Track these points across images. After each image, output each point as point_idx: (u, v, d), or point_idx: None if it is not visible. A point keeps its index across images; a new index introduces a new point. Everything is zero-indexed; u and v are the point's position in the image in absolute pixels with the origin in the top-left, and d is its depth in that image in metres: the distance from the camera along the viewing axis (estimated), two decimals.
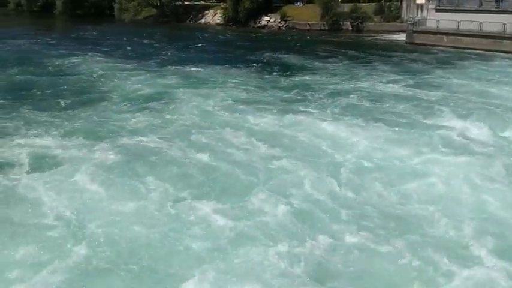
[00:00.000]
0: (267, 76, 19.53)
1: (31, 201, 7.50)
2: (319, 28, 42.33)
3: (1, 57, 23.42)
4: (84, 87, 16.44)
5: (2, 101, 14.25)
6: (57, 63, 21.78)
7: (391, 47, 30.93)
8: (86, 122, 11.89)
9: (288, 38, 36.67)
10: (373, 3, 41.72)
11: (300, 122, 11.90)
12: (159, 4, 51.83)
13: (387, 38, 35.94)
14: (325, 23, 42.03)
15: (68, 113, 12.84)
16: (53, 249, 6.20)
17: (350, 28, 41.05)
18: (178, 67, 20.90)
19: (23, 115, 12.63)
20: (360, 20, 40.55)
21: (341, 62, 23.63)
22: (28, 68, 20.16)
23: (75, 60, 22.47)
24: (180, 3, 52.45)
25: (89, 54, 24.61)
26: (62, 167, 8.78)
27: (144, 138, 10.45)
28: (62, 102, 13.96)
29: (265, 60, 24.35)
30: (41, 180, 8.14)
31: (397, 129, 11.21)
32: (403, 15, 39.42)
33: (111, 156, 9.23)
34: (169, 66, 21.15)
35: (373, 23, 40.44)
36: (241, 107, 13.53)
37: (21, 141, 10.32)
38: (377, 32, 38.79)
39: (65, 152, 9.58)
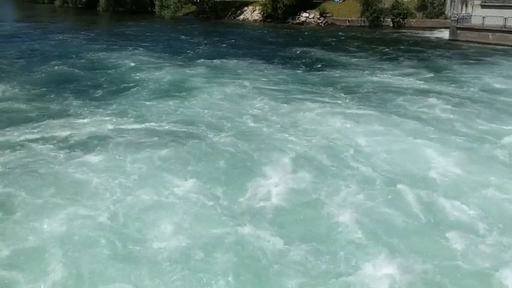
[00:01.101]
0: (298, 71, 20.46)
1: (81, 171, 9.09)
2: (359, 24, 42.51)
3: (47, 51, 25.89)
4: (121, 78, 18.31)
5: (47, 89, 16.29)
6: (97, 56, 23.89)
7: (433, 44, 30.82)
8: (118, 106, 13.69)
9: (326, 34, 37.15)
10: None
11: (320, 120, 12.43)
12: (198, 1, 53.65)
13: (429, 35, 35.69)
14: (365, 19, 42.14)
15: (104, 100, 14.67)
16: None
17: (391, 24, 40.99)
18: (210, 61, 22.41)
19: (65, 102, 14.52)
20: (401, 16, 40.42)
21: (378, 59, 23.94)
22: (70, 60, 22.38)
23: (114, 54, 24.52)
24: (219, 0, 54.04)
25: (128, 48, 26.54)
26: (99, 144, 10.49)
27: (169, 120, 11.85)
28: (99, 91, 15.77)
29: (297, 56, 25.22)
30: (85, 154, 9.89)
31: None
32: (446, 12, 38.96)
33: (141, 135, 10.68)
34: (202, 60, 22.72)
35: (415, 20, 40.20)
36: (262, 97, 14.64)
37: (64, 122, 12.14)
38: (419, 28, 38.58)
39: (98, 132, 11.31)
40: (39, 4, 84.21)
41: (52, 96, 15.17)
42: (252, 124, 12.11)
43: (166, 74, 18.97)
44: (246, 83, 16.72)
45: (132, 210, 7.65)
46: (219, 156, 9.83)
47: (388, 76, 19.18)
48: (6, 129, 11.62)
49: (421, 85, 17.30)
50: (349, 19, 43.54)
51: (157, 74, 19.02)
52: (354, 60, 23.47)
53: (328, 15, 45.19)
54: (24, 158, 9.78)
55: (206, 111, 13.29)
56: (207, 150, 10.18)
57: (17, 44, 29.68)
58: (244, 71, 19.62)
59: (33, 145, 10.50)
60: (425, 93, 15.96)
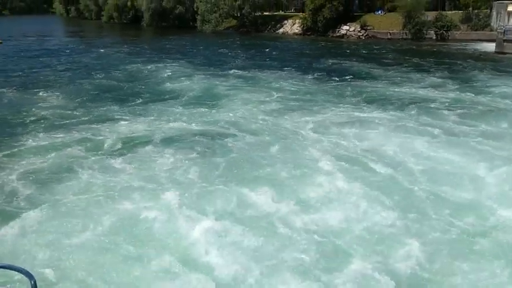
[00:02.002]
0: (330, 83, 20.89)
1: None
2: (401, 37, 42.58)
3: (91, 63, 28.21)
4: (158, 87, 19.84)
5: (90, 98, 17.96)
6: (137, 68, 25.76)
7: (478, 57, 30.48)
8: (154, 113, 15.08)
9: (366, 47, 37.51)
10: (460, 11, 41.06)
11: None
12: (239, 15, 55.56)
13: (474, 48, 35.26)
14: (407, 31, 42.16)
15: (141, 107, 16.10)
16: None
17: (434, 37, 40.79)
18: (244, 72, 23.58)
19: (105, 108, 15.99)
20: (445, 29, 40.18)
21: (421, 72, 23.70)
22: (112, 72, 24.31)
23: (153, 66, 26.30)
24: (260, 13, 55.65)
25: (167, 60, 28.31)
26: (141, 144, 11.88)
27: (197, 125, 13.27)
28: (137, 99, 17.43)
29: (332, 68, 25.83)
30: (126, 154, 11.13)
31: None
32: (492, 24, 38.36)
33: (171, 137, 12.06)
34: (235, 71, 23.97)
35: (459, 32, 39.83)
36: (288, 109, 15.43)
37: (104, 126, 13.55)
38: (463, 41, 38.19)
39: (136, 133, 12.66)
40: (86, 20, 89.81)
41: (94, 104, 16.70)
42: (275, 131, 12.91)
43: (200, 83, 20.31)
44: (276, 93, 17.66)
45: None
46: (254, 162, 10.62)
47: (432, 90, 18.83)
48: (54, 132, 13.09)
49: (469, 99, 16.89)
50: (391, 32, 43.71)
51: (191, 83, 20.41)
52: (393, 73, 23.44)
53: (369, 28, 45.54)
54: (72, 157, 11.07)
55: (234, 118, 14.30)
56: (237, 156, 11.06)
57: (64, 57, 32.30)
58: (277, 82, 20.53)
59: (79, 145, 11.84)
60: (471, 107, 15.74)
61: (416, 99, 16.88)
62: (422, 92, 18.37)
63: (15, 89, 19.84)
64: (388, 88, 19.37)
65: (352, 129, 12.99)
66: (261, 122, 14.00)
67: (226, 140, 12.17)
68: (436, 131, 12.64)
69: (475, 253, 6.92)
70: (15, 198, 8.87)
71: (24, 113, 15.36)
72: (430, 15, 41.49)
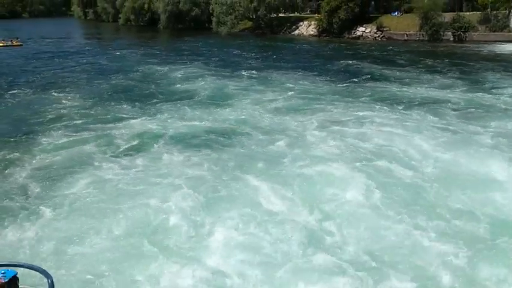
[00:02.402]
0: (345, 84, 21.06)
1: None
2: (417, 38, 42.45)
3: (107, 65, 29.28)
4: (173, 88, 20.48)
5: (105, 98, 18.65)
6: (152, 69, 26.44)
7: (495, 58, 30.29)
8: (169, 112, 15.77)
9: (381, 48, 37.55)
10: (478, 12, 40.74)
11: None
12: (254, 17, 56.05)
13: (492, 49, 34.99)
14: (424, 33, 42.02)
15: (157, 107, 16.72)
16: None
17: (451, 38, 40.57)
18: (257, 72, 24.09)
19: (123, 108, 16.68)
20: (462, 30, 39.93)
21: (436, 73, 23.62)
22: (128, 73, 25.03)
23: (167, 67, 26.96)
24: (275, 15, 56.02)
25: (181, 62, 29.03)
26: (155, 142, 12.49)
27: (207, 123, 13.98)
28: (151, 99, 18.08)
29: (346, 69, 26.02)
30: (141, 152, 11.73)
31: None
32: (511, 25, 37.98)
33: (181, 135, 12.71)
34: (248, 72, 24.51)
35: (477, 33, 39.52)
36: (297, 104, 16.13)
37: (122, 126, 14.20)
38: (481, 42, 37.91)
39: (151, 132, 13.37)
40: (104, 23, 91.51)
41: (109, 104, 17.36)
42: (283, 129, 13.28)
43: (213, 84, 20.90)
44: (288, 93, 18.18)
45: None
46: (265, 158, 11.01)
47: (447, 91, 18.75)
48: (70, 130, 13.79)
49: (484, 101, 16.82)
50: (407, 33, 43.60)
51: (205, 84, 21.00)
52: (407, 74, 23.40)
53: (385, 29, 45.48)
54: (87, 154, 11.69)
55: (245, 117, 14.85)
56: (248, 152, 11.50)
57: (82, 58, 33.25)
58: (289, 83, 20.94)
59: (94, 144, 12.46)
60: (487, 108, 15.64)
61: (432, 100, 16.92)
62: (437, 94, 18.39)
63: (34, 89, 20.66)
64: (401, 89, 19.50)
65: (361, 128, 13.29)
66: (271, 121, 14.44)
67: (238, 137, 12.69)
68: (451, 132, 12.70)
69: None
70: (30, 195, 9.34)
71: (42, 112, 16.09)
72: (447, 17, 41.28)
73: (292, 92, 18.66)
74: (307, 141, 12.32)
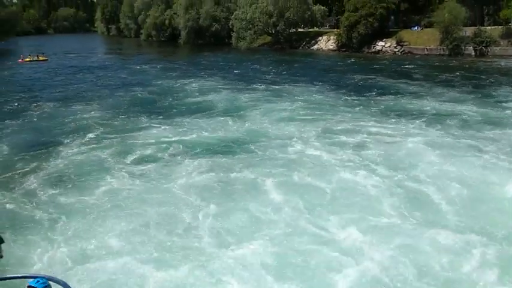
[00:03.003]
0: (359, 98, 21.45)
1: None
2: (438, 53, 42.52)
3: (128, 78, 30.64)
4: (189, 101, 21.49)
5: (126, 109, 19.72)
6: (171, 82, 27.60)
7: None
8: (185, 123, 16.70)
9: (401, 62, 37.78)
10: (500, 27, 40.65)
11: None
12: (273, 32, 56.98)
13: None
14: (445, 47, 42.05)
15: (174, 118, 17.61)
16: None
17: (473, 53, 40.50)
18: (274, 87, 24.88)
19: (141, 120, 17.61)
20: (484, 45, 39.86)
21: (457, 87, 23.68)
22: (147, 86, 26.24)
23: (185, 80, 28.13)
24: (294, 30, 56.82)
25: (199, 75, 30.35)
26: (172, 152, 13.24)
27: (219, 133, 14.88)
28: (168, 110, 19.20)
29: (361, 83, 26.44)
30: (158, 161, 12.53)
31: None
32: None
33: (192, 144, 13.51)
34: (263, 85, 25.50)
35: (499, 48, 39.39)
36: (308, 116, 16.78)
37: (139, 136, 15.07)
38: (504, 56, 37.77)
39: (167, 142, 14.17)
40: (126, 38, 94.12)
41: (128, 115, 18.36)
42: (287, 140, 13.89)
43: (227, 96, 21.87)
44: (302, 107, 18.94)
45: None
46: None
47: (468, 106, 18.56)
48: (90, 140, 14.77)
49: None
50: (428, 48, 43.73)
51: (220, 96, 21.96)
52: (424, 89, 23.54)
53: (405, 43, 45.70)
54: (104, 163, 12.54)
55: (255, 127, 15.73)
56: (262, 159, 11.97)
57: (104, 72, 34.75)
58: (304, 96, 21.66)
59: (112, 152, 13.32)
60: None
61: (451, 117, 16.86)
62: (458, 108, 18.29)
63: (58, 102, 21.87)
64: (421, 103, 19.52)
65: (370, 143, 13.72)
66: (281, 131, 15.17)
67: (248, 146, 13.45)
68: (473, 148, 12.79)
69: None
70: (51, 202, 9.99)
71: (65, 123, 17.19)
72: (469, 31, 41.30)
73: (306, 104, 19.45)
74: (316, 150, 12.88)
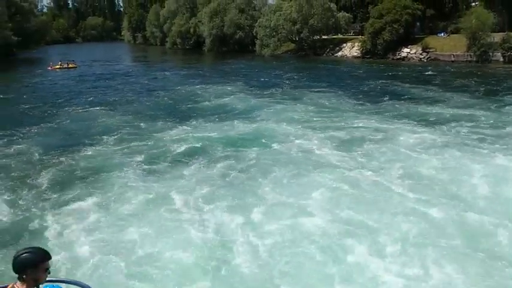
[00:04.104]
0: (377, 104, 21.75)
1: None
2: (465, 59, 42.11)
3: (152, 85, 31.85)
4: (210, 105, 22.47)
5: (150, 114, 20.71)
6: (193, 88, 28.57)
7: None
8: (203, 126, 17.66)
9: (427, 69, 37.60)
10: None
11: None
12: (297, 39, 57.46)
13: None
14: (472, 54, 41.61)
15: (193, 122, 18.48)
16: None
17: (501, 59, 39.98)
18: (293, 92, 25.72)
19: (163, 124, 18.46)
20: None
21: (484, 95, 23.31)
22: (170, 92, 27.26)
23: (207, 86, 29.20)
24: (318, 37, 57.16)
25: (222, 82, 31.12)
26: (191, 154, 14.07)
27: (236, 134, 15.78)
28: (189, 115, 20.10)
29: (384, 90, 26.58)
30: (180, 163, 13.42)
31: None
32: None
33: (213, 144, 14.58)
34: (282, 90, 26.51)
35: None
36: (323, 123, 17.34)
37: (160, 139, 15.97)
38: None
39: (186, 145, 14.95)
40: (152, 46, 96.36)
41: (151, 120, 19.22)
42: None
43: (246, 100, 22.80)
44: (320, 112, 19.54)
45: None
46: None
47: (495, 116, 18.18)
48: (113, 142, 15.67)
49: None
50: (455, 54, 43.35)
51: (238, 101, 22.94)
52: (448, 95, 23.30)
53: (431, 50, 45.44)
54: (126, 163, 13.40)
55: (271, 131, 16.43)
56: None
57: (129, 79, 36.32)
58: (323, 101, 22.25)
59: (134, 154, 14.16)
60: None
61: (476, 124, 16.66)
62: (492, 116, 17.97)
63: (86, 106, 23.10)
64: (452, 111, 19.24)
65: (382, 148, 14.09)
66: (299, 137, 15.62)
67: (261, 149, 14.16)
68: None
69: None
70: (78, 201, 10.60)
71: (92, 126, 18.27)
72: (497, 37, 40.81)
73: (325, 109, 20.06)
74: (328, 155, 13.38)
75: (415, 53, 46.53)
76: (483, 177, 10.92)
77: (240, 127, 17.12)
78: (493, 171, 11.32)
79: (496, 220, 8.69)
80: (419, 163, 12.22)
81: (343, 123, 17.17)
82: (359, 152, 13.37)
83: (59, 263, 7.47)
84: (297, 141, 14.85)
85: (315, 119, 18.17)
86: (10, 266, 3.12)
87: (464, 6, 47.79)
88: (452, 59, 43.20)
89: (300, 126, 16.82)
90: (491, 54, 40.59)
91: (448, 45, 44.92)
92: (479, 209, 9.21)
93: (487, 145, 13.73)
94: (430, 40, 46.58)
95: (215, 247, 8.16)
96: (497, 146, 13.63)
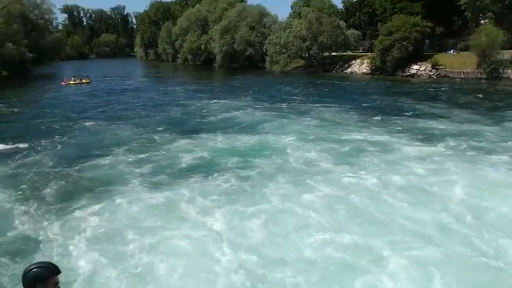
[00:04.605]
0: (383, 120, 21.80)
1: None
2: (475, 77, 42.18)
3: (162, 100, 32.50)
4: (218, 119, 22.97)
5: (160, 126, 21.16)
6: (201, 103, 29.23)
7: None
8: (211, 140, 18.05)
9: (436, 86, 37.70)
10: None
11: None
12: (307, 56, 58.03)
13: None
14: (482, 71, 41.68)
15: (200, 135, 18.91)
16: None
17: None
18: (299, 107, 26.10)
19: (171, 137, 18.90)
20: None
21: (490, 111, 23.19)
22: (179, 107, 27.96)
23: (214, 101, 29.96)
24: (327, 54, 57.66)
25: (231, 97, 31.69)
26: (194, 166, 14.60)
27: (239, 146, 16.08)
28: (196, 128, 20.77)
29: (389, 106, 26.86)
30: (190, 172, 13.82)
31: None
32: None
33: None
34: (287, 104, 27.16)
35: None
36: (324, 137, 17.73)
37: (167, 152, 16.39)
38: None
39: (193, 157, 15.43)
40: (163, 62, 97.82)
41: (160, 133, 19.63)
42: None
43: (255, 116, 23.16)
44: (325, 127, 19.89)
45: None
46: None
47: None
48: (123, 153, 16.13)
49: None
50: (464, 71, 43.45)
51: (245, 115, 23.59)
52: (456, 113, 23.21)
53: (441, 67, 45.59)
54: (133, 173, 13.84)
55: (273, 144, 16.88)
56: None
57: (141, 94, 37.20)
58: (328, 116, 22.63)
59: (142, 166, 14.61)
60: None
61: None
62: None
63: (98, 120, 23.73)
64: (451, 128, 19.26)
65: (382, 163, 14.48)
66: (302, 149, 15.97)
67: (260, 160, 14.52)
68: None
69: None
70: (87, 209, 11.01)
71: (103, 139, 18.77)
72: (507, 54, 40.90)
73: (329, 124, 20.47)
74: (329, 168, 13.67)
75: (424, 69, 46.74)
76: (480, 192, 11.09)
77: (245, 139, 17.64)
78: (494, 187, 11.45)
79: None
80: (419, 176, 12.46)
81: (345, 137, 17.59)
82: (358, 165, 13.74)
83: (66, 277, 7.68)
84: (299, 154, 15.19)
85: (320, 133, 18.47)
86: (16, 279, 3.22)
87: (474, 24, 48.03)
88: (462, 76, 43.26)
89: (303, 140, 17.22)
90: (501, 71, 40.65)
91: (458, 62, 45.06)
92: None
93: (491, 159, 13.89)
94: (440, 57, 46.80)
95: (220, 258, 8.39)
96: (502, 160, 13.76)
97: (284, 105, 26.72)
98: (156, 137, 18.58)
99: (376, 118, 21.96)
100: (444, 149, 15.43)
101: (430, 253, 8.21)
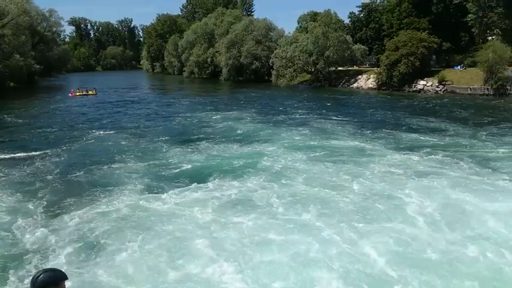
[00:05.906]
0: (385, 136, 21.86)
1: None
2: (482, 93, 42.27)
3: (166, 112, 33.07)
4: (221, 131, 23.47)
5: (167, 139, 21.38)
6: (203, 115, 29.89)
7: None
8: (211, 150, 18.51)
9: (443, 102, 37.75)
10: None
11: None
12: (313, 70, 58.34)
13: None
14: (489, 87, 41.76)
15: (202, 146, 19.37)
16: None
17: None
18: (302, 121, 26.47)
19: (176, 146, 19.34)
20: None
21: (495, 130, 22.83)
22: (182, 119, 28.49)
23: (216, 113, 30.68)
24: (334, 68, 57.95)
25: (235, 109, 32.24)
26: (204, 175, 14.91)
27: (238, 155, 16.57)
28: (196, 138, 21.22)
29: (392, 121, 26.92)
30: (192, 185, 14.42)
31: None
32: None
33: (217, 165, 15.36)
34: (287, 116, 28.02)
35: None
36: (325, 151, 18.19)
37: (170, 160, 16.98)
38: None
39: (191, 164, 15.94)
40: (169, 75, 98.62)
41: (165, 144, 19.99)
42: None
43: (255, 127, 23.87)
44: (325, 140, 20.26)
45: None
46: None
47: None
48: (129, 163, 16.52)
49: None
50: (471, 87, 43.53)
51: (247, 127, 24.22)
52: (460, 129, 23.11)
53: (447, 83, 45.68)
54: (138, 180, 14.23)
55: (274, 156, 17.16)
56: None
57: (146, 106, 37.78)
58: (329, 130, 23.06)
59: (147, 174, 15.01)
60: None
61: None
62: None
63: (103, 130, 24.24)
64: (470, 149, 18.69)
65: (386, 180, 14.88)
66: (299, 165, 16.14)
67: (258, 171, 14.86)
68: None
69: None
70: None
71: (109, 148, 19.22)
72: None
73: (329, 138, 20.74)
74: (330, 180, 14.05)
75: (431, 85, 46.85)
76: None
77: (244, 150, 18.14)
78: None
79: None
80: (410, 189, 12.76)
81: (345, 150, 17.99)
82: (348, 173, 14.33)
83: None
84: (299, 165, 15.62)
85: (318, 146, 18.90)
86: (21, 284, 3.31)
87: (481, 40, 48.25)
88: (469, 92, 43.33)
89: (303, 151, 17.69)
90: (508, 87, 40.72)
91: (465, 78, 45.18)
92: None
93: (489, 174, 14.17)
94: (447, 73, 46.96)
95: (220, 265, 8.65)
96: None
97: (288, 118, 27.14)
98: (161, 147, 19.03)
99: (377, 132, 22.26)
100: (440, 165, 15.51)
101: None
